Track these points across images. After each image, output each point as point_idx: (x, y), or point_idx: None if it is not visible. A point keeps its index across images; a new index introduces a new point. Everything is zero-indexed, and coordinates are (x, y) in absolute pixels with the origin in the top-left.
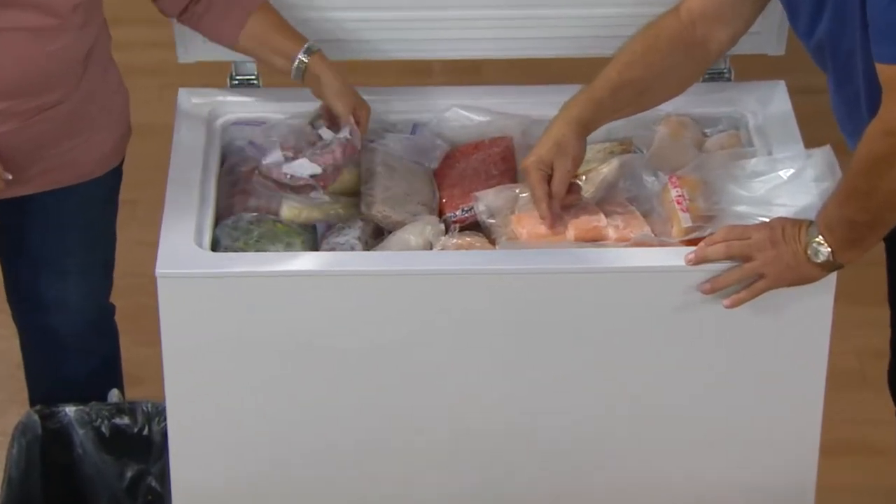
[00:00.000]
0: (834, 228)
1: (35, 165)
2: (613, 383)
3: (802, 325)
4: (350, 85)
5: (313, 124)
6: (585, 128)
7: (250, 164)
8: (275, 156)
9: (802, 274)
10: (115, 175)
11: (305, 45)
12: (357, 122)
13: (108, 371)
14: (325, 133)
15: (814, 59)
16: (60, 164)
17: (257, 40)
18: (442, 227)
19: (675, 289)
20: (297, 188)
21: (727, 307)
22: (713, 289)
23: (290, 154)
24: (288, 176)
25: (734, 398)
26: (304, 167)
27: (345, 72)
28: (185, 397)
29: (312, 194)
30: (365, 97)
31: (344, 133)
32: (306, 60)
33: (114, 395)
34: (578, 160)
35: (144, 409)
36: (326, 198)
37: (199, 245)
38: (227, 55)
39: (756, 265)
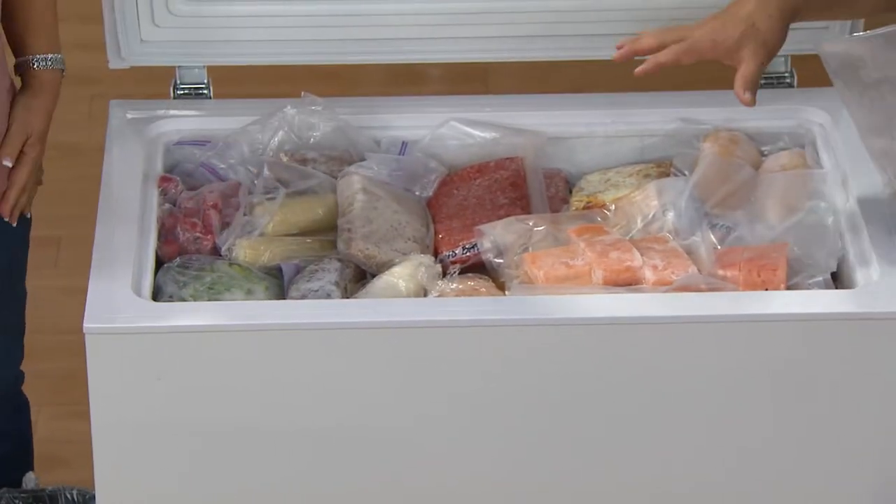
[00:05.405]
0: None
1: None
2: (650, 453)
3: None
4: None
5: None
6: (791, 13)
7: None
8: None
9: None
10: None
11: (21, 60)
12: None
13: (20, 452)
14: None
15: None
16: None
17: None
18: (438, 268)
19: (731, 343)
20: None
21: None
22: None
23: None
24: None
25: (803, 475)
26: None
27: (41, 103)
28: (120, 483)
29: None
30: (343, 109)
31: None
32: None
33: (30, 479)
34: (773, 49)
35: (68, 496)
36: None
37: (138, 293)
38: (170, 58)
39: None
